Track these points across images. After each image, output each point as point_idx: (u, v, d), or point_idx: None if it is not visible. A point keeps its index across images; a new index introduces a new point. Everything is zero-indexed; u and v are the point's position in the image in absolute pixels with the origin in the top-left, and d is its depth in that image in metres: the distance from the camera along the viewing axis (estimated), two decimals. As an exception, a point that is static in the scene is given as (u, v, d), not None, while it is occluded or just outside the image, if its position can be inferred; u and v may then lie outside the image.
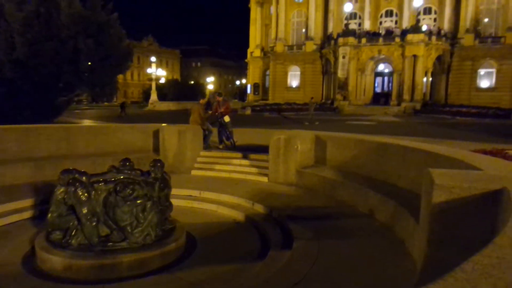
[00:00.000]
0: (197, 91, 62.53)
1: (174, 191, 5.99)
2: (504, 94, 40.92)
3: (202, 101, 11.54)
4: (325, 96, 48.15)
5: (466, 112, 33.74)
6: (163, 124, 10.43)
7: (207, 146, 10.80)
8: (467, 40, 42.30)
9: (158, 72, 56.65)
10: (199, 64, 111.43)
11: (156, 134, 10.11)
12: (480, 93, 42.24)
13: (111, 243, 4.88)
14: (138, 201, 4.97)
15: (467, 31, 42.36)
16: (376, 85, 46.57)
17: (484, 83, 42.94)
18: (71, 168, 5.15)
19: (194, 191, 7.92)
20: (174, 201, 5.89)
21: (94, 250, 4.76)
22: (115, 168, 5.29)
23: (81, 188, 4.78)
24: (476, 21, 42.62)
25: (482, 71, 42.85)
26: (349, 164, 7.94)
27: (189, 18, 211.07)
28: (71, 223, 4.91)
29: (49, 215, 4.97)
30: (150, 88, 54.08)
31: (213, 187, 8.06)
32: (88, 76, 25.40)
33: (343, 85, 41.65)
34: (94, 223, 4.80)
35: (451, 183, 3.37)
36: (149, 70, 59.58)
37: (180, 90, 66.20)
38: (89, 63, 24.63)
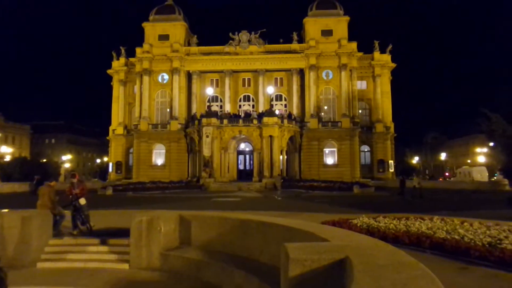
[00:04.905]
0: (51, 170, 56.53)
1: (12, 291, 5.07)
2: (345, 169, 47.41)
3: (52, 183, 10.45)
4: (191, 174, 48.57)
5: (317, 186, 37.67)
6: (3, 210, 9.03)
7: (57, 233, 9.63)
8: (312, 123, 48.74)
9: (2, 149, 49.89)
10: (53, 140, 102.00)
11: (-8, 222, 8.63)
12: (327, 169, 48.06)
13: None
14: (-40, 310, 4.05)
15: (312, 116, 48.99)
16: (239, 162, 49.14)
17: (329, 160, 49.21)
18: None
19: (39, 288, 6.83)
20: (11, 304, 4.95)
21: None
22: None
23: None
24: (318, 108, 49.81)
25: (327, 150, 49.27)
26: (214, 242, 7.94)
27: (44, 91, 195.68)
28: None
29: None
30: (-11, 167, 46.94)
31: (64, 281, 7.09)
32: None
33: (207, 163, 42.77)
34: None
35: (303, 256, 3.64)
36: (-11, 148, 52.08)
37: (29, 169, 58.92)
38: None
